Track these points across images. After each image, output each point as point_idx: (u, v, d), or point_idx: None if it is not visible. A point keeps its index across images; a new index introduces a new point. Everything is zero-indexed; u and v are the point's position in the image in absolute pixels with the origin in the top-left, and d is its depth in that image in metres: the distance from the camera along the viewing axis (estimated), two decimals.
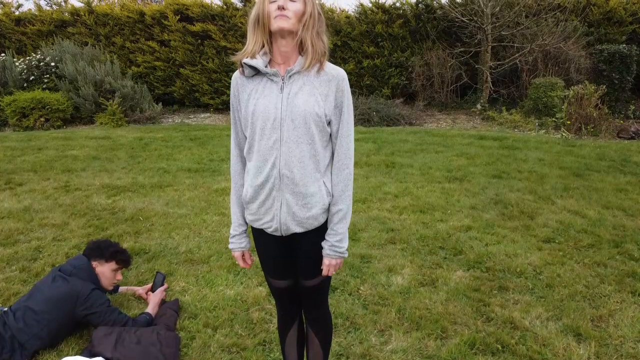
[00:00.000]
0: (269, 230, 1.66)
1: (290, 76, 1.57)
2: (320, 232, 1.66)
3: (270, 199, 1.61)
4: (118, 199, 4.60)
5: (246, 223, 1.75)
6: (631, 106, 8.59)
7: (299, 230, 1.63)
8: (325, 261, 1.66)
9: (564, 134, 7.48)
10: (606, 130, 7.55)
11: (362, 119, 8.81)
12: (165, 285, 2.85)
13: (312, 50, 1.55)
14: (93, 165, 5.84)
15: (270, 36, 1.57)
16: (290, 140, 1.55)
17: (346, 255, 1.67)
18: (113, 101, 8.79)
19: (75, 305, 2.38)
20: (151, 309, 2.65)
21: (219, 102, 10.55)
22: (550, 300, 2.76)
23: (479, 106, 9.44)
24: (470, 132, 7.90)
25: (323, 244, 1.66)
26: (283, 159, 1.56)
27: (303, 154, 1.57)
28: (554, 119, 7.91)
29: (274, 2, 1.52)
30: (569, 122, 7.63)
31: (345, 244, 1.66)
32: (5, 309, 2.53)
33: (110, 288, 2.70)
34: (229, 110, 10.51)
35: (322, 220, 1.65)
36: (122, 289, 2.91)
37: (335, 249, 1.64)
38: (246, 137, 1.65)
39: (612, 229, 3.81)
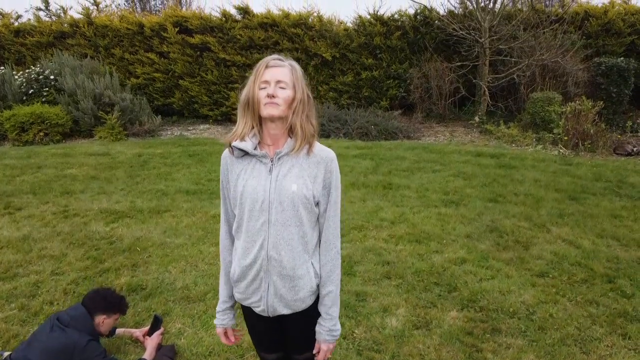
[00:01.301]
0: (257, 310, 1.69)
1: (279, 158, 1.60)
2: (308, 312, 1.69)
3: (258, 280, 1.63)
4: (116, 226, 4.63)
5: (232, 299, 1.78)
6: (628, 121, 8.61)
7: (286, 312, 1.66)
8: (324, 347, 1.69)
9: (561, 150, 7.51)
10: (603, 147, 7.58)
11: (360, 132, 8.85)
12: (162, 329, 2.89)
13: (302, 133, 1.58)
14: (92, 187, 5.87)
15: (260, 119, 1.61)
16: (279, 223, 1.57)
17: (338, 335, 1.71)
18: (112, 115, 8.81)
19: (72, 357, 2.41)
20: (148, 354, 2.69)
21: (217, 114, 10.59)
22: (542, 344, 2.80)
23: (477, 118, 9.47)
24: (468, 147, 7.92)
25: (318, 328, 1.68)
26: (271, 242, 1.59)
27: (291, 236, 1.59)
28: (551, 134, 7.94)
29: (264, 89, 1.55)
30: (566, 138, 7.66)
31: (339, 325, 1.69)
32: (6, 353, 2.57)
33: (107, 333, 2.74)
34: (228, 121, 10.61)
35: (309, 302, 1.67)
36: (119, 331, 2.95)
37: (332, 333, 1.67)
38: (235, 215, 1.68)
39: (606, 262, 3.84)
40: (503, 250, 4.08)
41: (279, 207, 1.57)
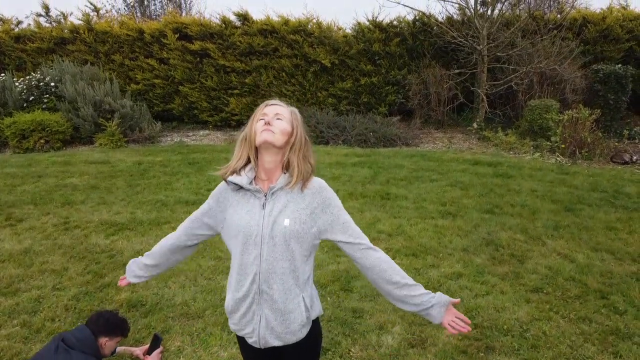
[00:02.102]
0: (249, 341, 1.74)
1: (272, 193, 1.64)
2: (299, 345, 1.73)
3: (250, 312, 1.69)
4: (116, 239, 4.68)
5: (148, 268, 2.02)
6: (626, 129, 8.65)
7: (277, 343, 1.70)
8: (451, 322, 1.68)
9: (558, 158, 7.56)
10: (600, 155, 7.63)
11: (359, 139, 8.90)
12: (162, 348, 2.94)
13: (297, 170, 1.63)
14: (92, 197, 5.92)
15: (257, 153, 1.66)
16: (271, 257, 1.62)
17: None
18: (112, 122, 8.87)
19: None
20: None
21: (217, 119, 10.65)
22: None
23: (475, 125, 9.52)
24: (466, 155, 7.97)
25: (436, 313, 1.68)
26: (263, 276, 1.63)
27: (283, 270, 1.63)
28: (549, 142, 7.99)
29: (262, 119, 1.62)
30: (563, 146, 7.71)
31: (433, 294, 1.72)
32: None
33: (109, 355, 2.79)
34: (228, 127, 10.67)
35: (300, 335, 1.71)
36: (119, 349, 2.99)
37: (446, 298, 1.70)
38: (197, 235, 1.84)
39: (600, 276, 3.89)
40: (499, 264, 4.13)
41: (271, 242, 1.61)
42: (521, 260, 4.19)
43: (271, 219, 1.61)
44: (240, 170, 1.66)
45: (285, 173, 1.65)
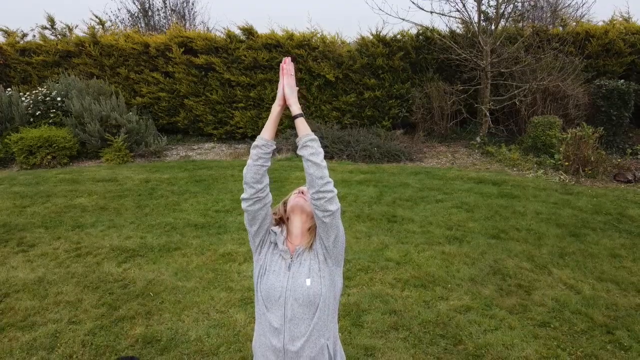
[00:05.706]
0: None
1: (297, 255, 1.80)
2: None
3: None
4: (128, 267, 4.75)
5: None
6: (628, 149, 8.70)
7: None
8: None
9: (561, 176, 7.63)
10: (603, 173, 7.70)
11: (363, 154, 8.96)
12: None
13: (317, 234, 1.82)
14: (102, 219, 5.99)
15: (288, 220, 1.87)
16: (296, 318, 1.73)
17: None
18: (119, 137, 8.93)
19: None
20: None
21: (222, 132, 10.72)
22: None
23: (478, 139, 9.59)
24: (470, 173, 8.04)
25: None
26: (287, 336, 1.74)
27: (307, 328, 1.74)
28: (552, 159, 8.05)
29: (297, 193, 1.88)
30: (567, 164, 7.77)
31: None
32: None
33: None
34: (232, 140, 10.72)
35: None
36: None
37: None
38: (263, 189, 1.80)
39: (605, 309, 3.95)
40: (506, 295, 4.19)
41: (295, 304, 1.73)
42: (528, 292, 4.25)
43: (294, 281, 1.75)
44: (280, 221, 1.88)
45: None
